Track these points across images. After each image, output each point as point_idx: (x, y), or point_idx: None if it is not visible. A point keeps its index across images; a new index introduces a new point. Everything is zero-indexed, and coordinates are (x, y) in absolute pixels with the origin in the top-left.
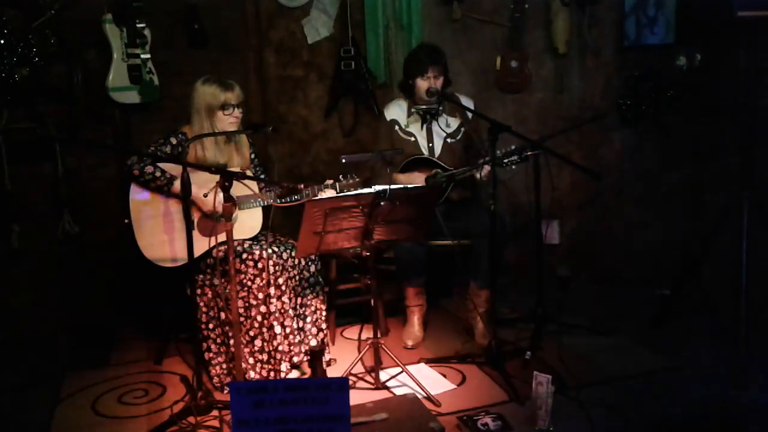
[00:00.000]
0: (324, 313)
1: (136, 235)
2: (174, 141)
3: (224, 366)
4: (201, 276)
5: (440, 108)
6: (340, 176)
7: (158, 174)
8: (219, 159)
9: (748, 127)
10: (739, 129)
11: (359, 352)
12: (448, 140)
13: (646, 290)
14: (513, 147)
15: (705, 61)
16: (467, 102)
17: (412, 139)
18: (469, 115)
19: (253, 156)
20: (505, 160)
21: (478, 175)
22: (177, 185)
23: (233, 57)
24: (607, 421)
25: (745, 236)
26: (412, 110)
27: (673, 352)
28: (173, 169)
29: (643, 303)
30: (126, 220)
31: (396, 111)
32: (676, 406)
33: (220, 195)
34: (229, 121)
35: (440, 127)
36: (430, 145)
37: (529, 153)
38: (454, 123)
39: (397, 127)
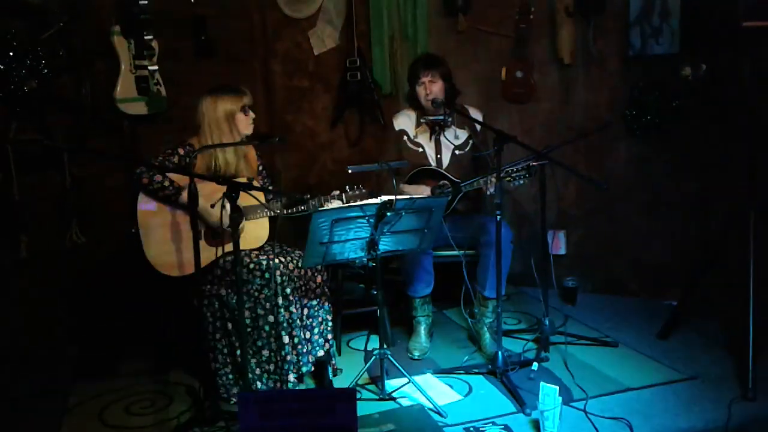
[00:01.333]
0: (330, 324)
1: (143, 244)
2: (182, 152)
3: (231, 376)
4: (208, 286)
5: (449, 120)
6: (347, 187)
7: (167, 183)
8: (230, 170)
9: (754, 136)
10: (744, 138)
11: (365, 362)
12: (457, 152)
13: (653, 300)
14: (522, 163)
15: (710, 70)
16: (476, 114)
17: (420, 149)
18: (478, 127)
19: (260, 167)
20: (513, 174)
21: (485, 188)
22: (185, 196)
23: (240, 68)
24: None
25: (752, 246)
26: (421, 121)
27: (682, 363)
28: (180, 180)
29: (649, 313)
30: (133, 230)
31: (404, 121)
32: (685, 417)
33: (227, 206)
34: (249, 122)
35: (449, 139)
36: (438, 156)
37: (535, 164)
38: (462, 135)
39: (405, 138)
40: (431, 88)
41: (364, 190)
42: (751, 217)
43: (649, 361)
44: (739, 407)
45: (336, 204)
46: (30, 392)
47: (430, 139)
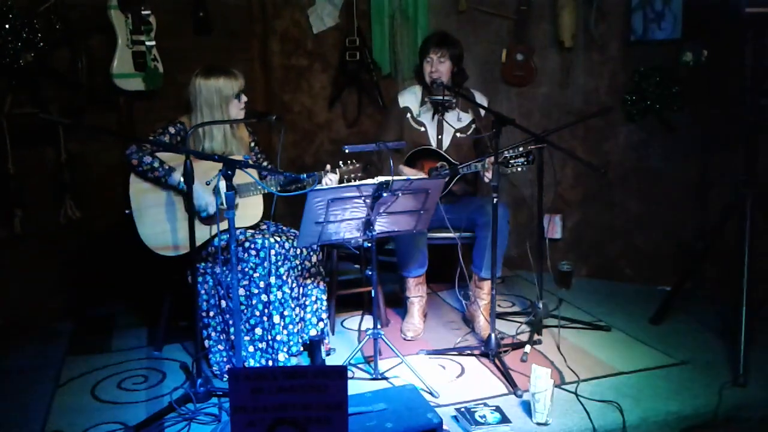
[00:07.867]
0: (324, 303)
1: (137, 225)
2: (172, 130)
3: (224, 354)
4: (202, 264)
5: (453, 101)
6: (340, 162)
7: (156, 165)
8: (224, 148)
9: (753, 123)
10: (743, 126)
11: (359, 342)
12: (458, 135)
13: (648, 286)
14: (521, 149)
15: (711, 57)
16: (481, 98)
17: (423, 128)
18: (481, 112)
19: (253, 144)
20: (512, 161)
21: (482, 172)
22: (175, 177)
23: (238, 45)
24: (605, 416)
25: (748, 233)
26: (426, 99)
27: (674, 348)
28: (173, 159)
29: (643, 298)
30: (126, 211)
31: (410, 98)
32: (676, 402)
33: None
34: (240, 107)
35: (451, 122)
36: (440, 137)
37: (533, 147)
38: (466, 118)
39: (408, 115)
40: (438, 66)
41: (357, 164)
42: (747, 204)
43: (641, 345)
44: (730, 393)
45: (333, 177)
46: (23, 366)
47: (433, 119)
